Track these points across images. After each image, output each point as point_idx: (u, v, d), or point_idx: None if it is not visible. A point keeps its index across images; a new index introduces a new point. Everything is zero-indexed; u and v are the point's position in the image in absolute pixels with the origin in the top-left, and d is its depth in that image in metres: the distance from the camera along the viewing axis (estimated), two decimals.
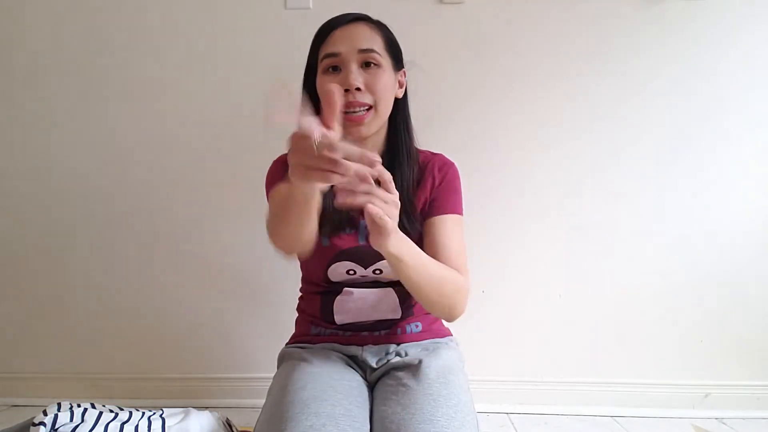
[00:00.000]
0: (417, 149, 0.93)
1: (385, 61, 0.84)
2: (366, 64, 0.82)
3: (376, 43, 0.83)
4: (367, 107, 0.81)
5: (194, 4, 1.32)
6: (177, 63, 1.34)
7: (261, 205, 0.94)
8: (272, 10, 1.31)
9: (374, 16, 0.88)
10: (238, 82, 1.33)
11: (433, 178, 0.91)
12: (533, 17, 1.30)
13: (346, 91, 0.80)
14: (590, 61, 1.30)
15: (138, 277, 1.40)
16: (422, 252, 0.77)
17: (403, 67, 0.90)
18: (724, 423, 1.30)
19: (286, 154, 0.89)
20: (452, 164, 0.94)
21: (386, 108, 0.85)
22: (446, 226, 0.87)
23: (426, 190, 0.90)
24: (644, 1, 1.28)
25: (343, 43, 0.82)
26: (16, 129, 1.38)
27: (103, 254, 1.40)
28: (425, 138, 0.94)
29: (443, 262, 0.82)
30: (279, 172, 0.90)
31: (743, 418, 1.32)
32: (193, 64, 1.34)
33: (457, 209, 0.90)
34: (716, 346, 1.36)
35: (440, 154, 0.95)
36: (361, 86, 0.80)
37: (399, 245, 0.69)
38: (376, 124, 0.84)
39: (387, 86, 0.83)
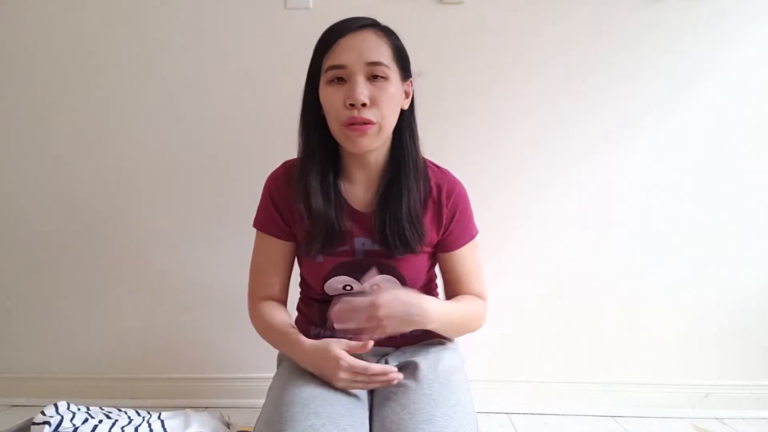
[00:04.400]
0: (424, 160, 0.90)
1: (392, 72, 0.79)
2: (373, 77, 0.77)
3: (384, 53, 0.78)
4: (371, 123, 0.78)
5: (194, 4, 1.32)
6: (176, 63, 1.34)
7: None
8: (272, 10, 1.31)
9: (373, 16, 0.84)
10: (237, 82, 1.33)
11: (441, 206, 0.88)
12: (533, 17, 1.29)
13: (351, 105, 0.77)
14: (591, 61, 1.30)
15: (138, 277, 1.40)
16: (447, 307, 0.87)
17: (410, 76, 0.85)
18: (724, 423, 1.30)
19: (282, 168, 0.92)
20: (459, 187, 0.91)
21: (391, 122, 0.82)
22: (464, 257, 0.91)
23: (432, 214, 0.88)
24: (645, 1, 1.28)
25: (349, 54, 0.77)
26: (14, 129, 1.38)
27: (103, 255, 1.40)
28: (423, 139, 0.93)
29: (464, 292, 0.91)
30: (281, 188, 0.90)
31: (743, 418, 1.32)
32: (193, 64, 1.34)
33: (472, 233, 0.92)
34: (716, 346, 1.36)
35: (446, 172, 0.92)
36: (368, 102, 0.77)
37: (435, 322, 0.81)
38: (380, 139, 0.81)
39: (393, 100, 0.79)
